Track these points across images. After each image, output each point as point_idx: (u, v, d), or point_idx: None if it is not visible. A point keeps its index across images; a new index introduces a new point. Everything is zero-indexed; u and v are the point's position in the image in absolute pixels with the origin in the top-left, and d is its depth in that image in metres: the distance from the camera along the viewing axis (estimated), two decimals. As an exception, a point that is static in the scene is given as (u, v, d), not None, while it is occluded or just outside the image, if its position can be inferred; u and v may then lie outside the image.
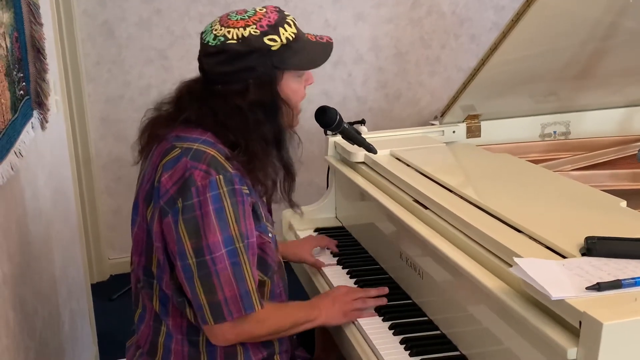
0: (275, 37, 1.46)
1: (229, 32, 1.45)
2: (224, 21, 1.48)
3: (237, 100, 1.46)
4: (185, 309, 1.48)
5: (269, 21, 1.47)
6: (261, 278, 1.52)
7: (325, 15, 3.74)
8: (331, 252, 2.06)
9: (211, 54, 1.47)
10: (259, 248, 1.50)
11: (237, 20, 1.47)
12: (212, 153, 1.43)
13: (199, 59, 1.52)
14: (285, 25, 1.48)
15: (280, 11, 1.51)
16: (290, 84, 1.52)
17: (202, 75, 1.53)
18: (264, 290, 1.55)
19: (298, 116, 1.60)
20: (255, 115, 1.47)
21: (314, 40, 1.56)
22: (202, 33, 1.51)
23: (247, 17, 1.47)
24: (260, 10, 1.50)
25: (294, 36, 1.49)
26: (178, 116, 1.50)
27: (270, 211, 1.64)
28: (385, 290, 1.71)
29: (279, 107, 1.51)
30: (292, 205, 1.65)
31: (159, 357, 1.53)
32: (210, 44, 1.47)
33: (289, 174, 1.58)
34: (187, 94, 1.53)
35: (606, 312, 1.03)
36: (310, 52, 1.53)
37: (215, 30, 1.47)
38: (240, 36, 1.45)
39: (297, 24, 1.52)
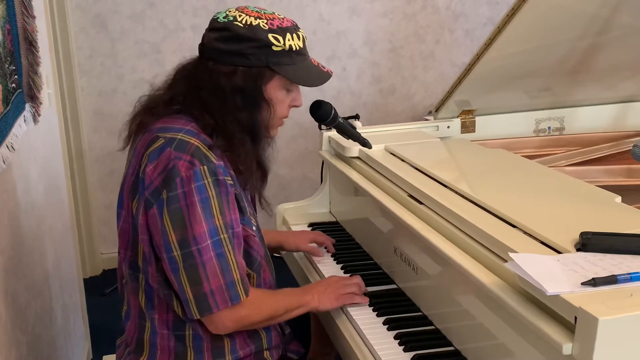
0: (280, 38, 1.47)
1: (240, 16, 1.49)
2: (241, 8, 1.52)
3: (221, 80, 1.48)
4: (172, 301, 1.47)
5: (280, 24, 1.50)
6: (246, 271, 1.52)
7: (320, 9, 3.73)
8: (333, 258, 2.02)
9: (215, 29, 1.50)
10: (243, 241, 1.50)
11: (252, 10, 1.51)
12: (196, 143, 1.43)
13: (204, 34, 1.54)
14: (294, 35, 1.50)
15: (295, 24, 1.54)
16: (275, 91, 1.52)
17: (200, 48, 1.54)
18: (250, 283, 1.55)
19: (276, 129, 1.60)
20: (234, 100, 1.48)
21: (316, 64, 1.57)
22: (216, 12, 1.55)
23: (262, 12, 1.51)
24: (278, 14, 1.53)
25: (298, 48, 1.50)
26: (167, 96, 1.52)
27: (254, 204, 1.64)
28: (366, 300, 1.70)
29: (259, 103, 1.51)
30: (262, 204, 1.64)
31: (146, 354, 1.53)
32: (219, 20, 1.51)
33: (262, 172, 1.59)
34: (181, 72, 1.56)
35: (602, 307, 1.03)
36: (306, 70, 1.54)
37: (229, 11, 1.52)
38: (248, 22, 1.47)
39: (307, 43, 1.55)
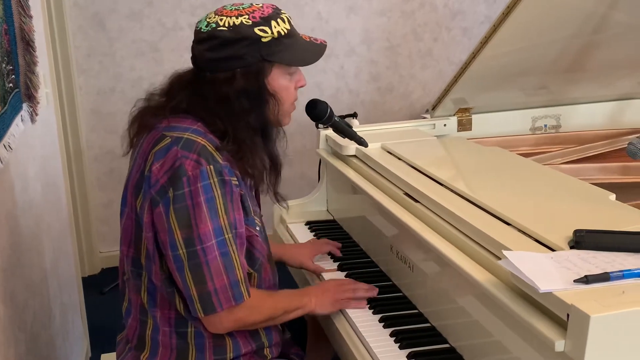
0: (266, 28, 1.47)
1: (221, 19, 1.47)
2: (219, 11, 1.50)
3: (224, 88, 1.47)
4: (174, 299, 1.48)
5: (262, 14, 1.48)
6: (248, 271, 1.52)
7: (318, 7, 3.73)
8: (331, 257, 1.98)
9: (202, 40, 1.48)
10: (247, 241, 1.50)
11: (231, 10, 1.49)
12: (202, 143, 1.43)
13: (193, 47, 1.52)
14: (279, 20, 1.49)
15: (276, 8, 1.53)
16: (278, 80, 1.52)
17: (193, 62, 1.54)
18: (251, 283, 1.55)
19: (289, 116, 1.60)
20: (241, 104, 1.48)
21: (308, 40, 1.56)
22: (197, 22, 1.53)
23: (241, 8, 1.49)
24: (256, 4, 1.51)
25: (286, 31, 1.49)
26: (168, 105, 1.51)
27: (259, 204, 1.65)
28: (375, 291, 1.71)
29: (266, 99, 1.51)
30: (277, 199, 1.65)
31: (147, 351, 1.53)
32: (202, 30, 1.49)
33: (275, 167, 1.59)
34: (178, 82, 1.54)
35: (594, 304, 1.03)
36: (301, 49, 1.53)
37: (209, 18, 1.50)
38: (231, 24, 1.46)
39: (292, 23, 1.53)
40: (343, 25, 3.79)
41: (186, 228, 1.39)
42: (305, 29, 1.62)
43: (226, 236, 1.41)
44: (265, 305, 1.52)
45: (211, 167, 1.40)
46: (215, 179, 1.40)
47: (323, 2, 3.73)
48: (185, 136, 1.44)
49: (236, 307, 1.44)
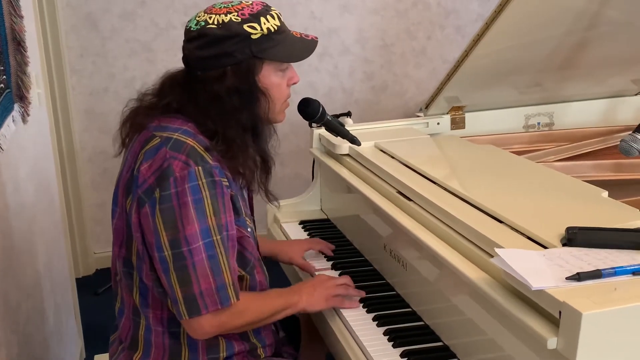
0: (256, 25, 1.46)
1: (210, 17, 1.47)
2: (208, 9, 1.50)
3: (215, 86, 1.47)
4: (165, 299, 1.47)
5: (251, 10, 1.48)
6: (239, 273, 1.51)
7: (311, 6, 3.73)
8: (325, 256, 1.98)
9: (192, 39, 1.48)
10: (238, 242, 1.49)
11: (220, 8, 1.49)
12: (191, 144, 1.43)
13: (183, 47, 1.52)
14: (268, 17, 1.49)
15: (265, 5, 1.52)
16: (270, 77, 1.51)
17: (184, 62, 1.53)
18: (242, 286, 1.54)
19: (283, 112, 1.59)
20: (232, 102, 1.47)
21: (298, 36, 1.56)
22: (187, 21, 1.53)
23: (230, 6, 1.49)
24: (246, 1, 1.51)
25: (276, 28, 1.49)
26: (159, 105, 1.51)
27: (251, 206, 1.64)
28: (363, 293, 1.70)
29: (257, 97, 1.50)
30: (269, 198, 1.64)
31: (140, 351, 1.53)
32: (192, 28, 1.49)
33: (266, 166, 1.58)
34: (170, 82, 1.54)
35: (586, 301, 1.03)
36: (292, 46, 1.52)
37: (199, 16, 1.50)
38: (220, 21, 1.46)
39: (282, 19, 1.53)
40: (337, 24, 3.79)
41: (172, 229, 1.38)
42: (298, 28, 1.61)
43: (214, 238, 1.40)
44: (251, 309, 1.49)
45: (199, 168, 1.39)
46: (204, 180, 1.39)
47: (317, 1, 3.73)
48: (175, 137, 1.43)
49: (221, 311, 1.42)
